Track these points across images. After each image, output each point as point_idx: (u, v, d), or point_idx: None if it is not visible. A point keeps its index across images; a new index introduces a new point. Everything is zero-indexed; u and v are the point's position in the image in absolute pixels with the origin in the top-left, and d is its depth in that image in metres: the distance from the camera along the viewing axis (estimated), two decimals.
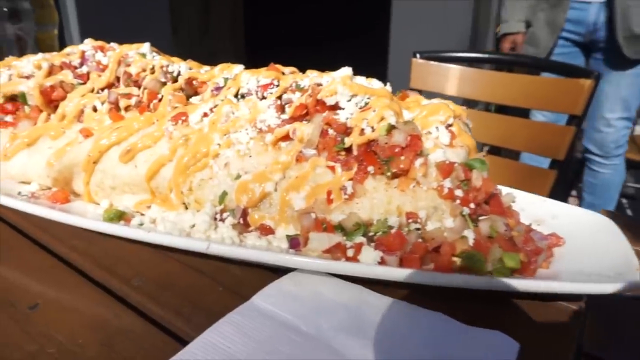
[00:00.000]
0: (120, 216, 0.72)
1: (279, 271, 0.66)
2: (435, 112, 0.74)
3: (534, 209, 0.79)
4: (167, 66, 0.82)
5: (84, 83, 0.89)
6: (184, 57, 0.92)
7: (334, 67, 0.78)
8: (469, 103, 2.91)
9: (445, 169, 0.68)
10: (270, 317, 0.57)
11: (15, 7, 1.36)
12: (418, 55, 2.31)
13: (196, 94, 0.85)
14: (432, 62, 2.71)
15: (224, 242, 0.67)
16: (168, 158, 0.75)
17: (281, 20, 5.99)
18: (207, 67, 0.87)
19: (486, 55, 2.75)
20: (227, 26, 5.15)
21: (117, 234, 0.67)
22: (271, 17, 6.07)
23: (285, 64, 0.84)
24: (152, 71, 0.83)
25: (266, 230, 0.69)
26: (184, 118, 0.76)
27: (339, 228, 0.66)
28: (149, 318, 0.63)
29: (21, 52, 1.47)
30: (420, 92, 2.86)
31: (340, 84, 0.70)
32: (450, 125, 0.74)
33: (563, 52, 2.50)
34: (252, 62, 1.02)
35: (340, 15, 6.06)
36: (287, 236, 0.68)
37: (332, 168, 0.69)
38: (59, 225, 0.79)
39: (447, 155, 0.70)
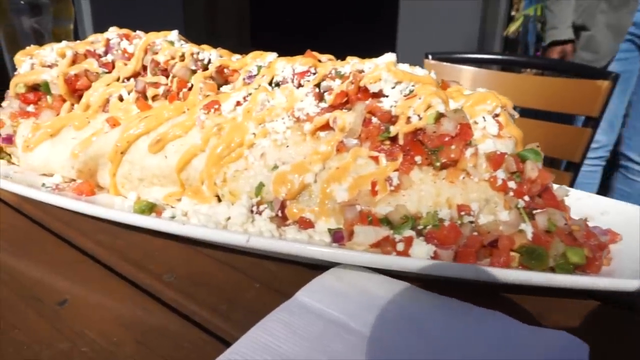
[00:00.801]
0: (151, 208, 0.68)
1: (315, 266, 0.62)
2: (482, 101, 0.70)
3: (580, 205, 0.75)
4: (198, 53, 0.79)
5: (109, 72, 0.86)
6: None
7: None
8: None
9: (496, 159, 0.64)
10: (318, 314, 0.53)
11: (34, 0, 1.34)
12: (430, 57, 2.27)
13: (226, 82, 0.81)
14: (444, 63, 2.68)
15: (262, 235, 0.63)
16: (200, 148, 0.71)
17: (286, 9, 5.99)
18: (237, 56, 0.83)
19: (499, 57, 2.71)
20: (233, 24, 5.17)
21: (150, 227, 0.63)
22: (276, 13, 6.08)
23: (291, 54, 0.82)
24: (182, 59, 0.79)
25: (305, 224, 0.66)
26: (216, 107, 0.73)
27: (385, 221, 0.62)
28: (183, 315, 0.59)
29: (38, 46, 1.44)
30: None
31: (384, 70, 0.66)
32: (497, 115, 0.70)
33: (620, 58, 2.26)
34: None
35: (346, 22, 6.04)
36: (329, 230, 0.64)
37: (375, 158, 0.66)
38: (82, 218, 0.75)
39: (497, 146, 0.66)
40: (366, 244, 0.60)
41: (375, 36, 4.54)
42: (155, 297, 0.62)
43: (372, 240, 0.59)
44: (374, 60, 0.70)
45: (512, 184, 0.62)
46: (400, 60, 0.72)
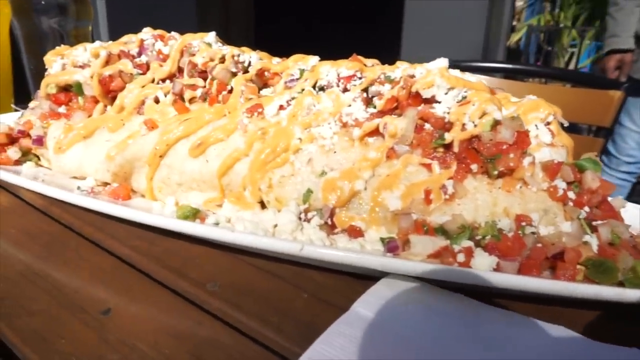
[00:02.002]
0: (195, 214, 0.66)
1: (361, 276, 0.60)
2: (534, 108, 0.68)
3: (628, 217, 0.73)
4: (238, 56, 0.77)
5: (143, 73, 0.84)
6: None
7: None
8: None
9: (553, 169, 0.62)
10: (379, 327, 0.51)
11: (55, 1, 1.32)
12: None
13: (266, 85, 0.79)
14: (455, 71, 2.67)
15: (312, 243, 0.61)
16: (244, 152, 0.69)
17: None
18: (277, 59, 0.81)
19: (510, 66, 2.71)
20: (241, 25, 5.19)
21: (199, 235, 0.60)
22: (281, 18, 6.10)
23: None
24: (222, 61, 0.78)
25: (355, 232, 0.63)
26: (260, 110, 0.71)
27: (440, 231, 0.60)
28: (232, 325, 0.57)
29: (54, 46, 1.42)
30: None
31: (438, 76, 0.64)
32: (549, 124, 0.69)
33: None
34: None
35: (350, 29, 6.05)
36: (382, 239, 0.62)
37: (428, 166, 0.64)
38: (114, 223, 0.73)
39: (552, 155, 0.65)
40: (424, 254, 0.57)
41: (377, 40, 4.55)
42: (201, 306, 0.60)
43: (430, 250, 0.57)
44: (425, 65, 0.68)
45: (571, 194, 0.61)
46: None
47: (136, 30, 0.91)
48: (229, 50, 0.77)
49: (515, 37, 6.85)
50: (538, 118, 0.68)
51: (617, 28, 2.18)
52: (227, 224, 0.66)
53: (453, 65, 0.71)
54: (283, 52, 0.88)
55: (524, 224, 0.58)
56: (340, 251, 0.56)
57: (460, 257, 0.56)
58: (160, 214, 0.70)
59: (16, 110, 1.24)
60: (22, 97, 1.39)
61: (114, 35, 0.92)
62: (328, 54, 0.82)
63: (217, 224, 0.66)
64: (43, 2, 1.31)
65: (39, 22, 1.36)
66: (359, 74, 0.72)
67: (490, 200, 0.61)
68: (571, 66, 6.25)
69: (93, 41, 1.19)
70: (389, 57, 0.86)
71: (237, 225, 0.64)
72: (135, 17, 2.67)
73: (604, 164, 1.91)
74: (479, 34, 4.39)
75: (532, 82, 3.44)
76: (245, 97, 0.73)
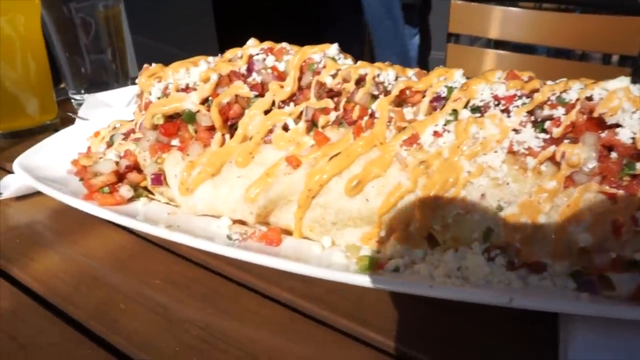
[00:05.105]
0: (375, 263, 0.64)
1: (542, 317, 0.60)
2: None
3: None
4: (378, 75, 0.70)
5: (260, 95, 0.76)
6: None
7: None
8: (514, 47, 2.79)
9: None
10: None
11: None
12: None
13: (400, 104, 0.73)
14: (472, 4, 2.55)
15: (511, 287, 0.60)
16: (409, 190, 0.66)
17: None
18: (411, 71, 0.74)
19: None
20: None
21: (396, 290, 0.59)
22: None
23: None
24: (358, 81, 0.71)
25: (539, 268, 0.63)
26: (419, 142, 0.66)
27: (634, 265, 0.60)
28: None
29: (87, 33, 1.28)
30: (458, 36, 2.67)
31: (624, 99, 0.60)
32: None
33: None
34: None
35: None
36: (573, 275, 0.61)
37: (612, 195, 0.62)
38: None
39: None
40: (627, 293, 0.58)
41: None
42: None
43: (632, 289, 0.57)
44: (603, 84, 0.63)
45: None
46: None
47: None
48: (368, 70, 0.70)
49: None
50: None
51: None
52: (404, 269, 0.64)
53: None
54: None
55: None
56: (560, 301, 0.56)
57: None
58: (327, 258, 0.67)
59: (80, 118, 1.14)
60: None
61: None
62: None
63: (396, 269, 0.64)
64: None
65: (68, 10, 1.21)
66: (519, 93, 0.67)
67: None
68: None
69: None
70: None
71: (423, 272, 0.62)
72: (153, 15, 2.36)
73: None
74: None
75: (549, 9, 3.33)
76: (397, 127, 0.68)
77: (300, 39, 0.83)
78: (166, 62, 0.82)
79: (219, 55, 0.83)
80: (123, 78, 1.41)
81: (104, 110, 1.20)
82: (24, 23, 1.12)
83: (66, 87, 1.38)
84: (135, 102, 1.24)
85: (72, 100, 1.39)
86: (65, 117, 1.30)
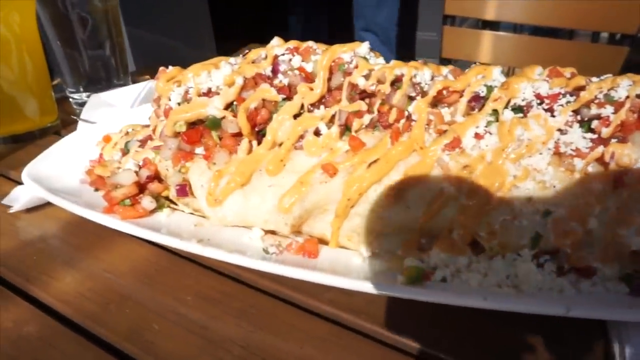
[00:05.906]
0: (422, 274, 0.61)
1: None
2: None
3: None
4: (415, 76, 0.67)
5: (287, 98, 0.73)
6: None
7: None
8: (513, 28, 2.75)
9: None
10: None
11: None
12: None
13: (435, 104, 0.70)
14: None
15: (563, 294, 0.58)
16: (453, 196, 0.63)
17: None
18: (446, 69, 0.71)
19: None
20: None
21: (452, 303, 0.57)
22: None
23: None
24: (393, 82, 0.67)
25: (589, 272, 0.61)
26: (461, 146, 0.64)
27: None
28: None
29: (84, 28, 1.21)
30: (454, 18, 2.63)
31: None
32: None
33: None
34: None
35: None
36: (625, 278, 0.60)
37: None
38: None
39: None
40: None
41: None
42: None
43: None
44: None
45: None
46: None
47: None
48: (405, 70, 0.67)
49: None
50: None
51: None
52: (451, 278, 0.62)
53: None
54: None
55: None
56: (620, 310, 0.55)
57: None
58: (370, 269, 0.65)
59: (83, 120, 1.09)
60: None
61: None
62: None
63: (443, 279, 0.62)
64: None
65: (64, 5, 1.14)
66: (562, 91, 0.64)
67: None
68: None
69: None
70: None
71: (472, 281, 0.60)
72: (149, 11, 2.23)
73: None
74: None
75: None
76: (437, 130, 0.65)
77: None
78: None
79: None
80: (123, 73, 1.35)
81: (108, 111, 1.15)
82: (19, 21, 1.06)
83: (64, 85, 1.32)
84: (140, 102, 1.19)
85: (70, 99, 1.33)
86: (66, 118, 1.24)
